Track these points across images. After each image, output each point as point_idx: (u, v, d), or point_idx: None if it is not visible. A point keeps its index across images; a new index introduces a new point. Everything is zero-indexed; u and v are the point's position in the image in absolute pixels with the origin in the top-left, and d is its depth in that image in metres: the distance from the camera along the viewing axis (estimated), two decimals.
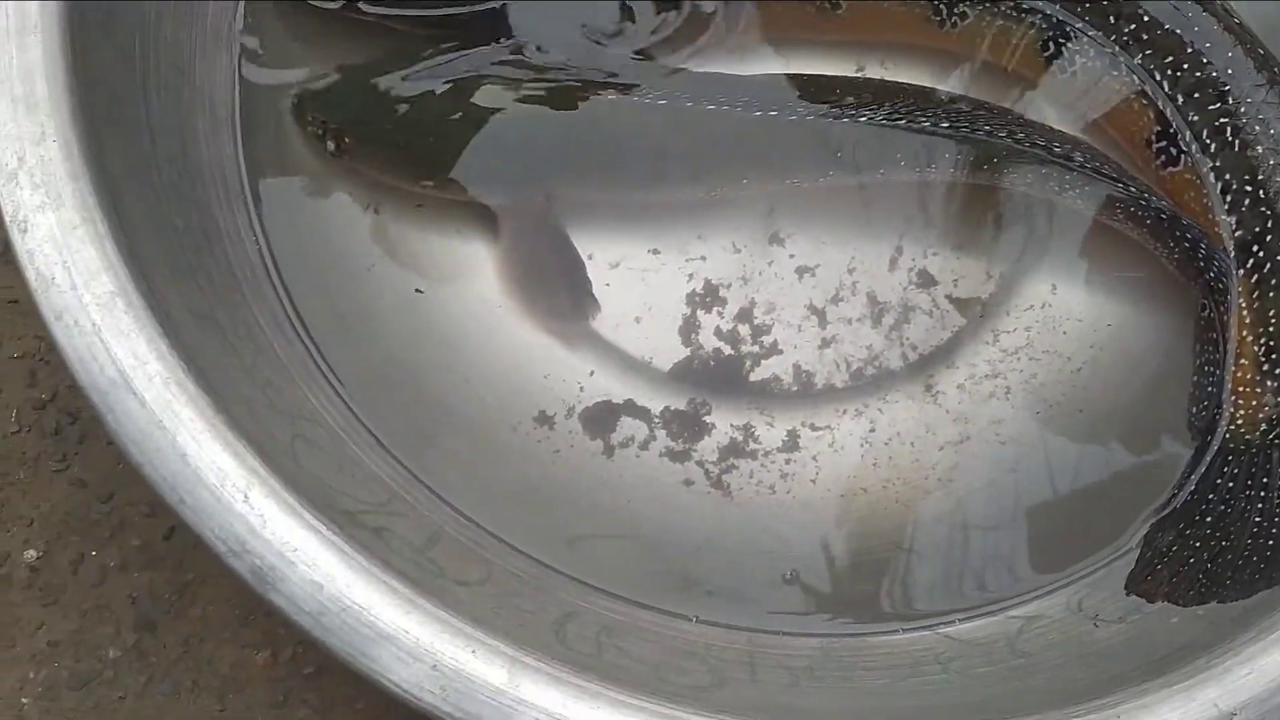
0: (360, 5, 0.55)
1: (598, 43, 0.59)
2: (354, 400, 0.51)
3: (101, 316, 0.39)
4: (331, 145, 0.55)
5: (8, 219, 0.40)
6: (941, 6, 0.60)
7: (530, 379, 0.57)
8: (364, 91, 0.56)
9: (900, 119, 0.56)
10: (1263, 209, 0.55)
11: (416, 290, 0.55)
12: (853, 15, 0.61)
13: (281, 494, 0.39)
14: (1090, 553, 0.55)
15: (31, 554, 0.54)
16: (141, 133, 0.46)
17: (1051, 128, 0.59)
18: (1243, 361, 0.55)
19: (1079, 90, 0.60)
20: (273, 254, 0.52)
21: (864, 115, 0.56)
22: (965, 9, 0.60)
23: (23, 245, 0.39)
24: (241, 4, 0.54)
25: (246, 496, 0.38)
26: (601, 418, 0.56)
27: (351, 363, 0.52)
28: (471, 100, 0.56)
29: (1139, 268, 0.59)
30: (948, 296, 0.60)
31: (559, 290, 0.58)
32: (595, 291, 0.58)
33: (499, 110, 0.56)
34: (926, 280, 0.60)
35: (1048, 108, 0.61)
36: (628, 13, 0.60)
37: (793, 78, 0.59)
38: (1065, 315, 0.59)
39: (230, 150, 0.52)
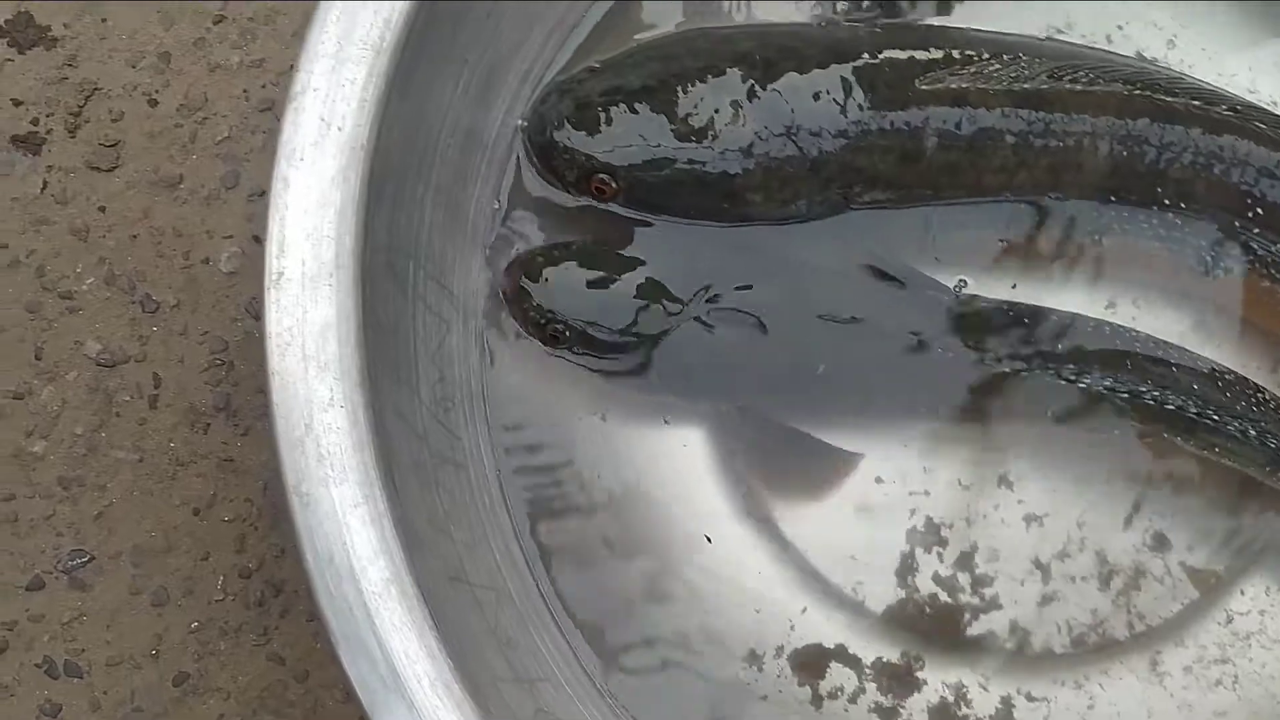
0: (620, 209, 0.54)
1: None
2: (572, 638, 0.50)
3: (376, 606, 0.38)
4: (552, 337, 0.54)
5: (289, 487, 0.39)
6: (1205, 258, 0.57)
7: (740, 610, 0.55)
8: (591, 285, 0.55)
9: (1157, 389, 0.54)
10: None
11: (706, 538, 0.54)
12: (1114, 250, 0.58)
13: None
14: None
15: None
16: (410, 369, 0.45)
17: None
18: None
19: None
20: (501, 474, 0.51)
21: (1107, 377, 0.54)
22: (1233, 265, 0.57)
23: (303, 520, 0.38)
24: (501, 211, 0.53)
25: None
26: (812, 662, 0.54)
27: (575, 590, 0.51)
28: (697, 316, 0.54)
29: None
30: (1182, 564, 0.57)
31: (803, 463, 0.56)
32: (796, 529, 0.56)
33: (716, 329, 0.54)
34: (1161, 544, 0.57)
35: None
36: None
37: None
38: None
39: (476, 358, 0.51)
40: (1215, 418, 0.53)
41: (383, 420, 0.41)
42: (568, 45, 0.55)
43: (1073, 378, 0.53)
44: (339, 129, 0.42)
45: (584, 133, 0.53)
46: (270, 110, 0.61)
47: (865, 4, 0.61)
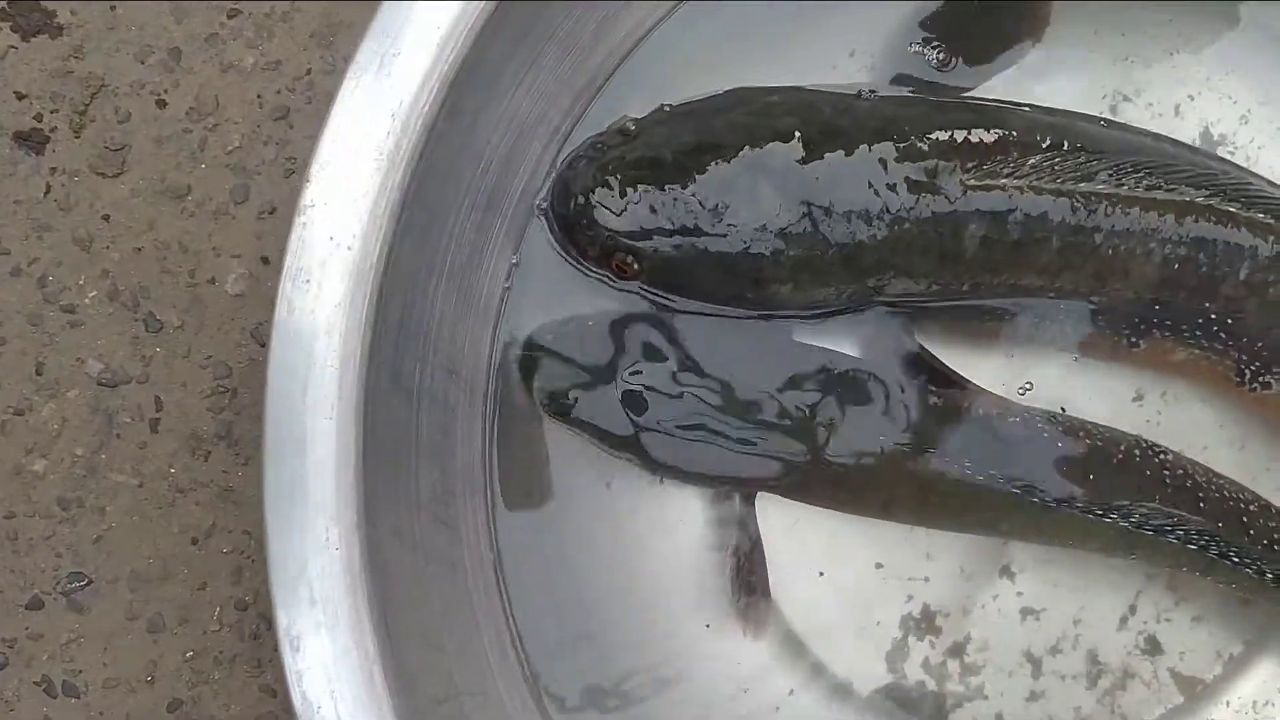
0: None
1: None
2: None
3: None
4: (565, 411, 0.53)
5: (280, 630, 0.39)
6: (1246, 370, 0.55)
7: (723, 687, 0.55)
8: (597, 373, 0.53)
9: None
10: None
11: (706, 626, 0.54)
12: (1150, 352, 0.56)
13: None
14: None
15: None
16: (410, 478, 0.44)
17: None
18: None
19: None
20: (499, 558, 0.50)
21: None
22: (1271, 380, 0.55)
23: (292, 664, 0.38)
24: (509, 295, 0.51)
25: None
26: None
27: (564, 680, 0.51)
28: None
29: None
30: (1170, 670, 0.57)
31: (742, 590, 0.56)
32: (791, 608, 0.55)
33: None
34: (1153, 648, 0.57)
35: None
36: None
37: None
38: None
39: (480, 439, 0.50)
40: (1235, 559, 0.52)
41: (378, 552, 0.40)
42: (594, 105, 0.52)
43: (1100, 513, 0.52)
44: (348, 248, 0.40)
45: (606, 210, 0.50)
46: (285, 119, 0.58)
47: (938, 56, 0.57)
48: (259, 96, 0.58)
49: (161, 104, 0.58)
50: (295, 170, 0.58)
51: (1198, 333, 0.54)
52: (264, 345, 0.56)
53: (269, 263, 0.57)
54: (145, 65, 0.58)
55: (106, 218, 0.58)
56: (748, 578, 0.55)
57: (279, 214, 0.58)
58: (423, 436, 0.45)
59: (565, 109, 0.51)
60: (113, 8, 0.58)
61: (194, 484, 0.57)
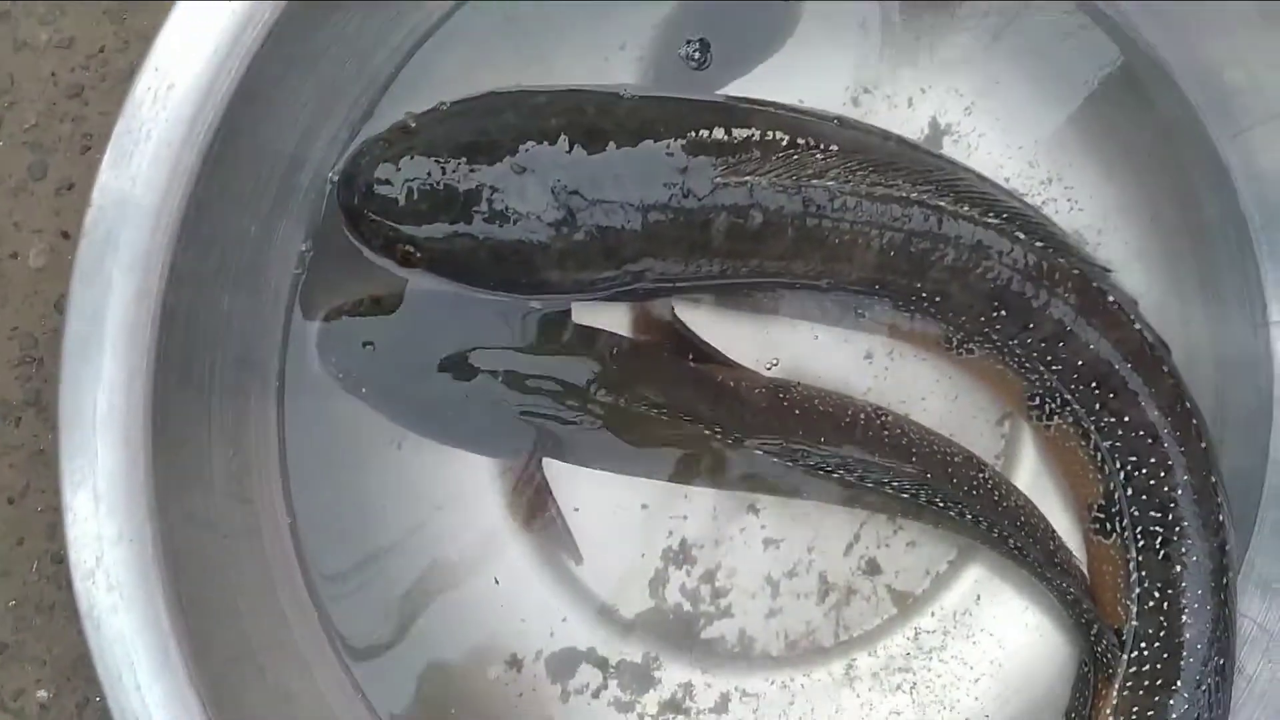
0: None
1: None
2: (353, 670, 0.57)
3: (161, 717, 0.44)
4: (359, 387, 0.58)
5: (83, 614, 0.44)
6: (953, 338, 0.63)
7: (507, 621, 0.63)
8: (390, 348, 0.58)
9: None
10: (1161, 620, 0.62)
11: (495, 580, 0.61)
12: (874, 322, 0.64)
13: None
14: None
15: (43, 694, 0.60)
16: (204, 461, 0.49)
17: None
18: None
19: (1047, 439, 0.65)
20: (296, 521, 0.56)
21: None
22: (973, 346, 0.63)
23: (95, 642, 0.44)
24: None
25: None
26: (564, 664, 0.63)
27: (356, 623, 0.58)
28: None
29: (1050, 611, 0.67)
30: (887, 586, 0.67)
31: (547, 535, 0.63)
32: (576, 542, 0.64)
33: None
34: (873, 569, 0.67)
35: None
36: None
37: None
38: (980, 626, 0.67)
39: (274, 417, 0.55)
40: (941, 503, 0.62)
41: (172, 536, 0.46)
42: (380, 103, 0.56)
43: (829, 470, 0.61)
44: (130, 269, 0.44)
45: (388, 204, 0.55)
46: (79, 96, 0.60)
47: (695, 55, 0.62)
48: (53, 74, 0.60)
49: None
50: (91, 146, 0.60)
51: (912, 308, 0.62)
52: None
53: (69, 237, 0.60)
54: None
55: None
56: (537, 502, 0.63)
57: (77, 189, 0.60)
58: (215, 423, 0.50)
59: (346, 111, 0.55)
60: None
61: (6, 448, 0.60)
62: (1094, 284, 0.61)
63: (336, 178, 0.55)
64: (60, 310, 0.61)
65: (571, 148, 0.56)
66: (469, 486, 0.62)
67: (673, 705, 0.65)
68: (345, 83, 0.55)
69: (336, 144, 0.55)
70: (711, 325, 0.64)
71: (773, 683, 0.66)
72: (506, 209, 0.56)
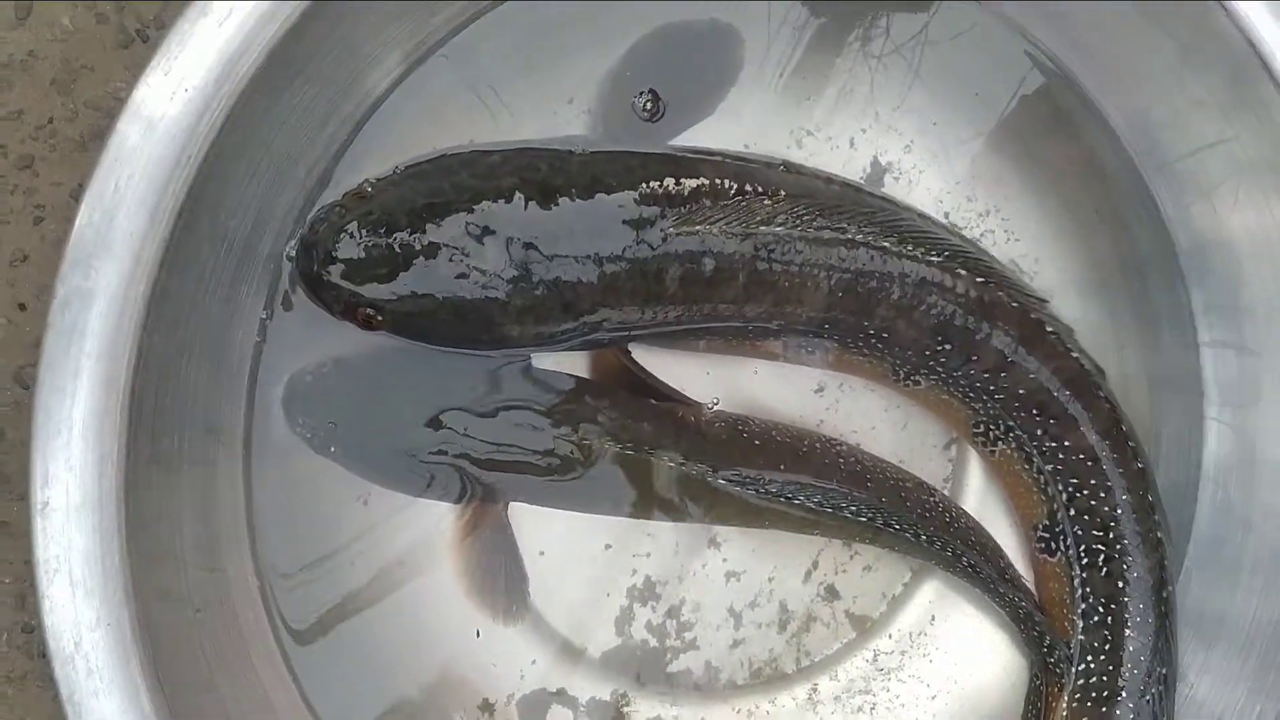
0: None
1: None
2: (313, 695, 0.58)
3: None
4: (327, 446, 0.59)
5: (64, 698, 0.44)
6: (900, 371, 0.66)
7: (478, 667, 0.64)
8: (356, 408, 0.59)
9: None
10: (1106, 633, 0.65)
11: (476, 633, 0.63)
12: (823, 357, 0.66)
13: None
14: None
15: None
16: (174, 536, 0.50)
17: None
18: None
19: (992, 464, 0.68)
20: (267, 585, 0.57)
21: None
22: (919, 379, 0.66)
23: None
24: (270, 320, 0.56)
25: None
26: (535, 706, 0.65)
27: (334, 679, 0.59)
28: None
29: (1002, 626, 0.69)
30: (845, 611, 0.70)
31: (499, 588, 0.65)
32: (533, 591, 0.65)
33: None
34: (832, 594, 0.69)
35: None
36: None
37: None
38: (935, 645, 0.70)
39: (241, 483, 0.56)
40: (896, 527, 0.64)
41: (147, 618, 0.46)
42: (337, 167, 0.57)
43: (789, 497, 0.63)
44: (96, 357, 0.45)
45: (348, 269, 0.56)
46: (30, 168, 0.60)
47: (646, 106, 0.64)
48: (3, 146, 0.60)
49: None
50: (45, 218, 0.60)
51: (860, 344, 0.65)
52: (27, 388, 0.59)
53: (25, 309, 0.60)
54: None
55: None
56: (505, 570, 0.64)
57: (31, 261, 0.60)
58: (184, 498, 0.51)
59: (303, 178, 0.55)
60: None
61: None
62: (1032, 315, 0.64)
63: (295, 246, 0.56)
64: (20, 382, 0.61)
65: (526, 205, 0.58)
66: (439, 547, 0.64)
67: None
68: (300, 153, 0.55)
69: (294, 211, 0.56)
70: (656, 367, 0.66)
71: (739, 711, 0.68)
72: (465, 268, 0.57)
